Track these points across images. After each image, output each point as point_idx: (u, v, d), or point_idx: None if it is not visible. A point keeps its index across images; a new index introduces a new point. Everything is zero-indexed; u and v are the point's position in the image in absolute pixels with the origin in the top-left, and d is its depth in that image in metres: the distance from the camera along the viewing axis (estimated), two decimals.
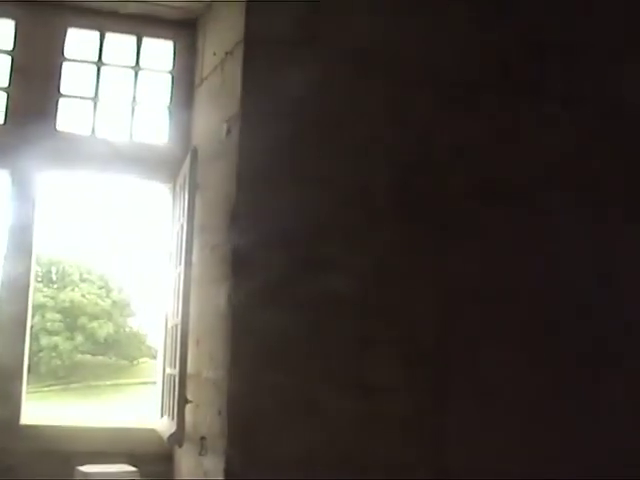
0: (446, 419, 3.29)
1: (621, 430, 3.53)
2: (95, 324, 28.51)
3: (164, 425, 3.61)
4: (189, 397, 3.45)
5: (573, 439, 3.46)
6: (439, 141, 3.40)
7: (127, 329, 29.83)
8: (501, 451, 3.33)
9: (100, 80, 3.91)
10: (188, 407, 3.45)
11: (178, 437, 3.49)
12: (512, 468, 3.31)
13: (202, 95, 3.76)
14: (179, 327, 3.46)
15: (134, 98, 3.96)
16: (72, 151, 3.84)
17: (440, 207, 3.38)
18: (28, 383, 3.82)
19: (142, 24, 3.95)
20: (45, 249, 28.78)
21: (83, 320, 28.59)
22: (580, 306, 3.54)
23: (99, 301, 29.25)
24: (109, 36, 3.94)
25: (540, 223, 3.52)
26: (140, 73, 3.96)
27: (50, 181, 3.94)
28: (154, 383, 3.99)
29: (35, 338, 24.59)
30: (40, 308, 26.67)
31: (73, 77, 3.99)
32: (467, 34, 3.51)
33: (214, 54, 3.63)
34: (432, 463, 3.25)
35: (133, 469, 3.47)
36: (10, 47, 3.83)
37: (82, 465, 3.43)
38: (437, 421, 3.28)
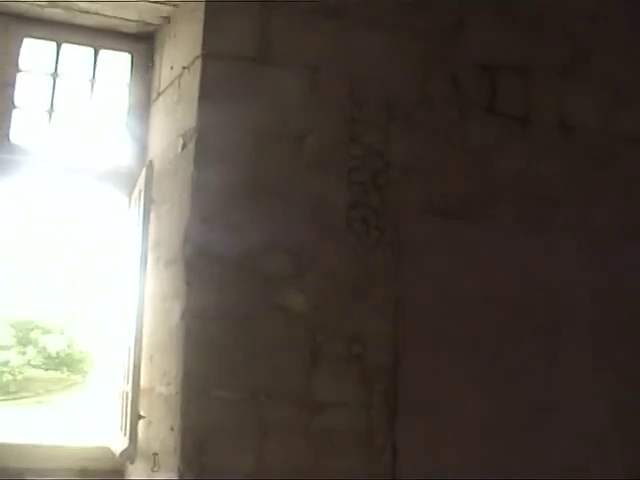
0: (398, 435, 3.30)
1: (574, 448, 3.58)
2: (48, 338, 28.12)
3: (117, 441, 3.57)
4: (142, 413, 3.42)
5: (526, 457, 3.50)
6: (391, 158, 3.45)
7: (80, 344, 29.53)
8: (454, 468, 3.36)
9: (56, 92, 3.87)
10: (141, 423, 3.42)
11: (130, 453, 3.46)
12: None
13: (159, 109, 3.75)
14: (132, 342, 3.43)
15: (90, 111, 3.92)
16: (26, 163, 3.79)
17: (392, 223, 3.41)
18: None
19: (99, 36, 3.93)
20: None
21: (36, 334, 28.17)
22: (531, 321, 3.59)
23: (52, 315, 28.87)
24: (65, 47, 3.91)
25: (491, 239, 3.58)
26: (96, 86, 3.93)
27: (2, 192, 3.88)
28: (107, 399, 3.94)
29: None
30: None
31: (28, 88, 3.95)
32: (420, 54, 3.58)
33: (171, 68, 3.62)
34: (386, 476, 3.26)
35: None
36: None
37: None
38: (389, 437, 3.29)
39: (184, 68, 3.44)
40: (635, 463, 3.69)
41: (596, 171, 3.83)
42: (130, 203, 3.84)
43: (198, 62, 3.29)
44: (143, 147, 3.88)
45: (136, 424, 3.44)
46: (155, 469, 3.24)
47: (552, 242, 3.69)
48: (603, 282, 3.76)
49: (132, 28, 3.90)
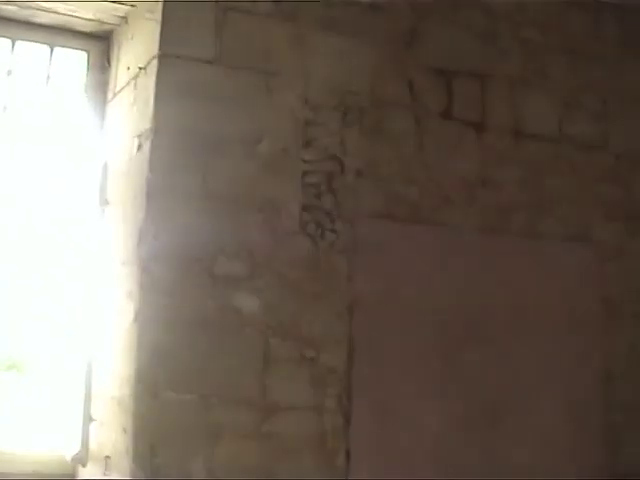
0: (351, 439, 3.31)
1: (528, 449, 3.63)
2: None
3: (68, 444, 3.54)
4: (93, 415, 3.40)
5: (480, 460, 3.54)
6: (346, 162, 3.47)
7: (31, 345, 29.08)
8: (408, 472, 3.38)
9: (9, 90, 3.82)
10: (92, 426, 3.40)
11: (82, 456, 3.44)
12: None
13: (114, 109, 3.72)
14: (85, 344, 3.41)
15: (45, 109, 3.88)
16: None
17: (346, 227, 3.43)
18: None
19: (55, 34, 3.89)
20: None
21: None
22: (484, 325, 3.63)
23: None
24: (20, 45, 3.87)
25: (445, 244, 3.62)
26: (51, 85, 3.89)
27: None
28: (58, 402, 3.90)
29: None
30: None
31: None
32: (375, 58, 3.60)
33: (128, 69, 3.60)
34: None
35: None
36: None
37: None
38: (343, 441, 3.30)
39: (140, 69, 3.42)
40: (589, 462, 3.76)
41: (548, 178, 3.90)
42: (86, 204, 3.81)
43: (154, 63, 3.27)
44: (98, 148, 3.85)
45: (88, 427, 3.42)
46: (107, 472, 3.22)
47: (504, 247, 3.74)
48: (554, 287, 3.82)
49: (88, 27, 3.85)
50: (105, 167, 3.52)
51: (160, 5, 3.33)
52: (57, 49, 3.90)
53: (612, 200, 4.05)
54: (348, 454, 3.30)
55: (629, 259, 4.06)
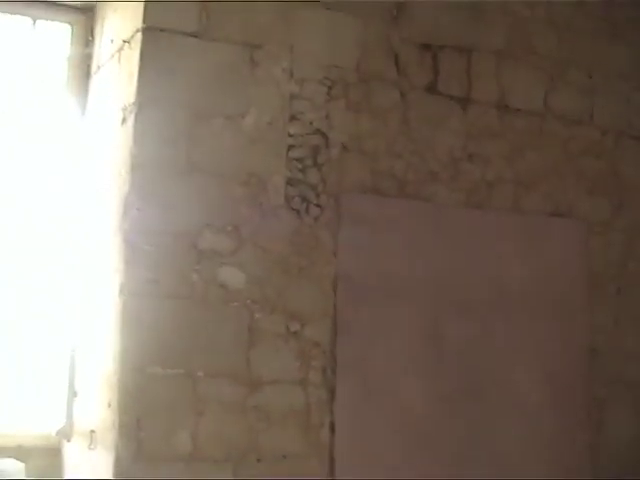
0: (336, 413, 3.33)
1: (509, 427, 3.66)
2: None
3: (53, 419, 3.54)
4: (78, 390, 3.40)
5: (463, 437, 3.57)
6: (331, 136, 3.47)
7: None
8: (391, 447, 3.41)
9: None
10: (77, 400, 3.40)
11: (67, 431, 3.44)
12: (400, 466, 3.41)
13: (98, 83, 3.70)
14: (70, 318, 3.40)
15: (28, 83, 3.85)
16: None
17: (331, 201, 3.43)
18: None
19: (38, 8, 3.85)
20: None
21: None
22: (469, 301, 3.64)
23: None
24: (2, 17, 3.83)
25: (430, 218, 3.63)
26: (35, 58, 3.86)
27: None
28: (43, 376, 3.90)
29: None
30: None
31: None
32: (361, 32, 3.58)
33: (112, 42, 3.57)
34: (323, 454, 3.30)
35: (20, 464, 3.39)
36: None
37: None
38: (327, 415, 3.32)
39: (124, 42, 3.39)
40: (573, 437, 3.80)
41: (533, 153, 3.91)
42: (71, 178, 3.79)
43: (139, 36, 3.24)
44: (82, 121, 3.83)
45: (72, 401, 3.42)
46: (92, 446, 3.23)
47: (489, 222, 3.75)
48: (538, 262, 3.83)
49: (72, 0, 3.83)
50: (89, 140, 3.50)
51: None
52: (40, 22, 3.87)
53: (597, 175, 4.07)
54: (332, 427, 3.32)
55: (614, 234, 4.08)
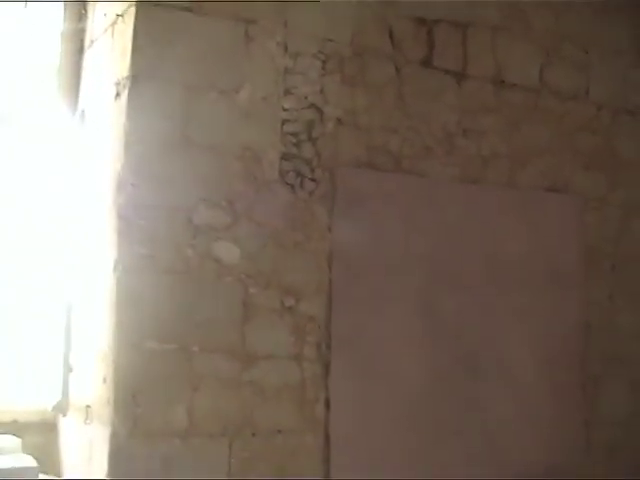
0: (331, 389, 3.34)
1: (504, 397, 3.68)
2: None
3: (48, 394, 3.55)
4: (74, 365, 3.40)
5: (461, 410, 3.58)
6: (326, 111, 3.46)
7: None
8: (386, 423, 3.43)
9: None
10: (73, 375, 3.41)
11: (62, 406, 3.45)
12: (395, 440, 3.42)
13: (92, 57, 3.67)
14: (65, 293, 3.40)
15: (22, 58, 3.83)
16: None
17: (326, 176, 3.43)
18: None
19: None
20: None
21: None
22: (465, 275, 3.64)
23: None
24: None
25: (425, 193, 3.62)
26: (28, 32, 3.83)
27: None
28: (38, 351, 3.90)
29: None
30: None
31: None
32: (356, 6, 3.56)
33: (105, 16, 3.54)
34: (318, 429, 3.31)
35: (16, 439, 3.40)
36: None
37: None
38: (322, 390, 3.33)
39: (118, 16, 3.36)
40: (567, 411, 3.83)
41: (529, 128, 3.90)
42: (63, 153, 3.77)
43: (132, 10, 3.21)
44: (76, 96, 3.81)
45: (68, 376, 3.42)
46: (87, 421, 3.24)
47: (484, 197, 3.74)
48: (534, 238, 3.83)
49: None
50: (82, 115, 3.48)
51: None
52: None
53: (593, 151, 4.06)
54: (327, 403, 3.33)
55: (609, 210, 4.09)
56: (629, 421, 4.03)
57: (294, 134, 3.37)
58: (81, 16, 3.83)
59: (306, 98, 3.41)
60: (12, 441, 3.36)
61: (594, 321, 3.97)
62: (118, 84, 3.25)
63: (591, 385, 3.94)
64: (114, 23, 3.40)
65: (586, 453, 3.87)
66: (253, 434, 3.19)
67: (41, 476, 3.17)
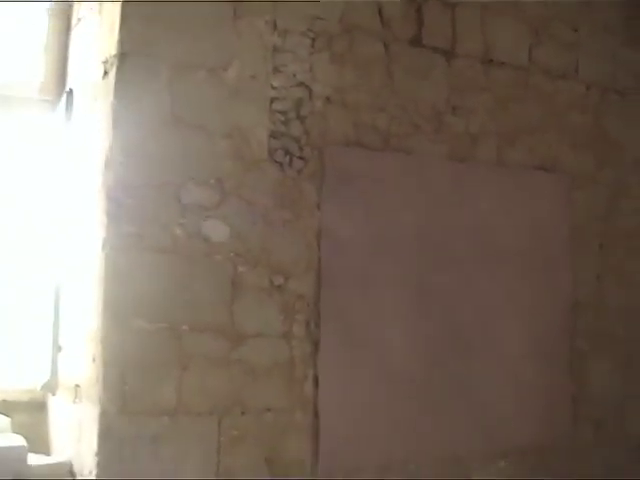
0: (319, 367, 3.35)
1: (491, 373, 3.70)
2: None
3: (37, 373, 3.55)
4: (62, 345, 3.40)
5: (447, 388, 3.61)
6: (315, 89, 3.45)
7: None
8: (375, 401, 3.44)
9: None
10: (61, 355, 3.40)
11: (51, 385, 3.44)
12: (384, 417, 3.44)
13: (79, 35, 3.65)
14: (54, 272, 3.39)
15: (8, 35, 3.79)
16: None
17: (315, 154, 3.42)
18: None
19: None
20: None
21: None
22: (453, 253, 3.65)
23: None
24: None
25: (414, 171, 3.63)
26: (15, 10, 3.79)
27: None
28: (27, 330, 3.90)
29: None
30: None
31: None
32: None
33: None
34: (307, 407, 3.33)
35: (5, 418, 3.40)
36: None
37: None
38: (311, 368, 3.34)
39: None
40: (555, 388, 3.87)
41: (517, 106, 3.90)
42: (51, 132, 3.75)
43: None
44: (63, 74, 3.78)
45: (57, 356, 3.41)
46: (77, 400, 3.24)
47: (473, 175, 3.75)
48: (522, 216, 3.84)
49: None
50: (70, 93, 3.45)
51: None
52: None
53: (582, 129, 4.07)
54: (316, 380, 3.34)
55: (598, 189, 4.10)
56: (615, 396, 4.07)
57: (283, 112, 3.36)
58: None
59: (295, 76, 3.40)
60: (1, 420, 3.37)
61: (582, 298, 4.00)
62: (106, 62, 3.22)
63: (578, 361, 3.97)
64: (102, 1, 3.37)
65: (573, 427, 3.90)
66: (242, 412, 3.20)
67: (30, 455, 3.18)
